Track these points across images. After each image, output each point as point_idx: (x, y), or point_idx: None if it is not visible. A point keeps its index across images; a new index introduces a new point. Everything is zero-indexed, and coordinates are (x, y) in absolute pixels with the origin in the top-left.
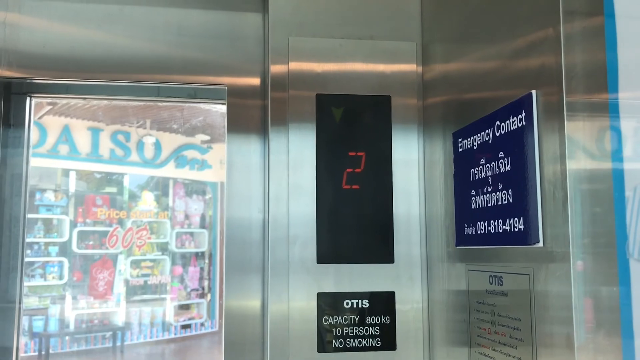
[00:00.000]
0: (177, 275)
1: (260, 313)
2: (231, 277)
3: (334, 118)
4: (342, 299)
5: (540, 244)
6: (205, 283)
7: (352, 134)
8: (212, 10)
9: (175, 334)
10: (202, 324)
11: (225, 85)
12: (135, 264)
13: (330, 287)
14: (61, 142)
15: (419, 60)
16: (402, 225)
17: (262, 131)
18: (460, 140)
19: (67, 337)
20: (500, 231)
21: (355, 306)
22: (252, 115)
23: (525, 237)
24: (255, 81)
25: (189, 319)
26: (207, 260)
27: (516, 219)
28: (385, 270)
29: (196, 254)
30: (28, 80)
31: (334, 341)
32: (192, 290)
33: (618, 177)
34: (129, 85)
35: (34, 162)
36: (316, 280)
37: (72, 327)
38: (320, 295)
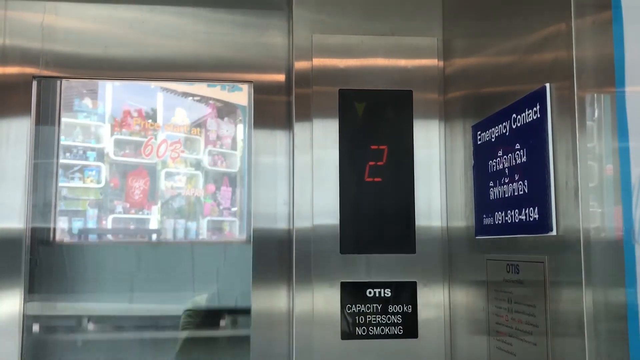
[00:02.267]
0: (210, 193)
1: (286, 301)
2: (258, 266)
3: (356, 112)
4: (365, 288)
5: (554, 233)
6: (237, 203)
7: (374, 128)
8: (239, 8)
9: None
10: None
11: (251, 81)
12: (170, 176)
13: (353, 277)
14: None
15: (440, 55)
16: (423, 217)
17: (287, 126)
18: (479, 133)
19: (107, 236)
20: (517, 221)
21: (377, 295)
22: (278, 111)
23: (539, 226)
24: (280, 78)
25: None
26: (238, 182)
27: (531, 208)
28: (407, 260)
29: (228, 174)
30: (64, 79)
31: (357, 329)
32: (224, 208)
33: (625, 167)
34: None
35: None
36: (340, 270)
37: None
38: (343, 285)
